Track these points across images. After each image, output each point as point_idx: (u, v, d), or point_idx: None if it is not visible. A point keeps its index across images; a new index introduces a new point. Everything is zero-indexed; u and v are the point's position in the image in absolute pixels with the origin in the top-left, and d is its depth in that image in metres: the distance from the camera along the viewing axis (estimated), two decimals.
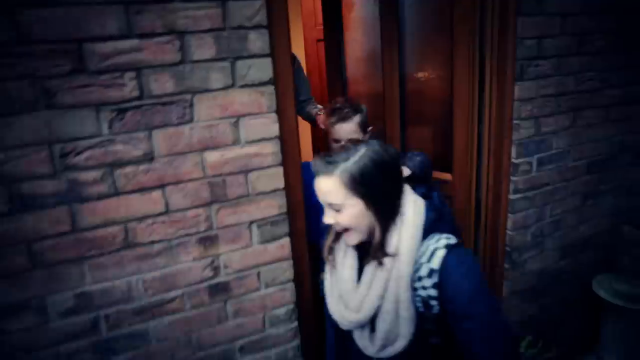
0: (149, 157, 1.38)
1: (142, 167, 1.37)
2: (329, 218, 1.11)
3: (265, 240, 1.59)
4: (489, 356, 1.05)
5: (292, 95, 1.55)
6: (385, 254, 1.08)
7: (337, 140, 1.97)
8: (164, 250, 1.46)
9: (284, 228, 1.61)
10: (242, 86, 1.44)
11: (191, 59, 1.36)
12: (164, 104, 1.35)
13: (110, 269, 1.41)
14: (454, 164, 2.21)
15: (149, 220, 1.42)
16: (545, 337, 2.43)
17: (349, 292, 1.16)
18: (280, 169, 1.56)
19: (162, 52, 1.32)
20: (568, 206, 2.31)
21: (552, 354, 2.44)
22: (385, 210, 1.08)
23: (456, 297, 1.04)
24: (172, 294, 1.51)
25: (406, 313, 1.09)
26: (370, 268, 1.12)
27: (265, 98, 1.48)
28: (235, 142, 1.47)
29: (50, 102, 1.24)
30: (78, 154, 1.30)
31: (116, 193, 1.36)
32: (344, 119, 1.94)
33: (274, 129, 1.51)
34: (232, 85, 1.42)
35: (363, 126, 1.97)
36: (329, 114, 2.01)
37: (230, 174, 1.48)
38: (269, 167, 1.53)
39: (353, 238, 1.12)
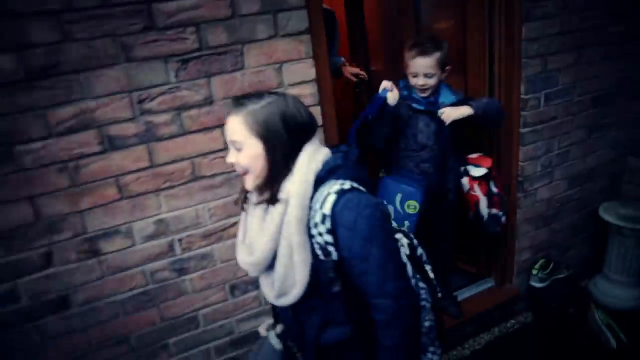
0: (209, 101, 1.61)
1: (203, 109, 1.61)
2: (230, 157, 1.14)
3: None
4: (384, 303, 1.09)
5: (324, 43, 1.77)
6: (277, 200, 1.10)
7: (415, 74, 2.08)
8: (224, 181, 1.72)
9: None
10: (283, 35, 1.66)
11: (240, 13, 1.57)
12: (219, 53, 1.58)
13: (182, 199, 1.67)
14: None
15: (212, 156, 1.67)
16: (555, 259, 2.68)
17: (252, 239, 1.19)
18: (318, 108, 1.78)
19: (216, 9, 1.54)
20: (575, 139, 2.51)
21: (562, 275, 2.70)
22: (282, 157, 1.09)
23: (348, 240, 1.06)
24: (233, 219, 1.77)
25: (298, 257, 1.09)
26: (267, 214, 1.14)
27: (303, 45, 1.69)
28: (279, 85, 1.70)
29: (129, 56, 1.47)
30: (152, 99, 1.54)
31: (184, 133, 1.61)
32: (423, 52, 2.01)
33: (312, 72, 1.74)
34: (275, 35, 1.64)
35: (441, 63, 2.05)
36: (409, 48, 2.07)
37: None
38: (308, 106, 1.76)
39: (250, 181, 1.14)
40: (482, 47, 2.26)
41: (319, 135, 1.18)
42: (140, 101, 1.53)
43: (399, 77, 2.22)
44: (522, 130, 2.33)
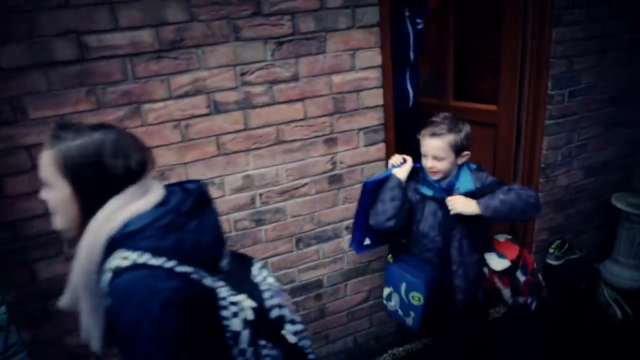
0: (295, 78, 1.93)
1: (290, 84, 1.94)
2: (42, 192, 1.03)
3: (368, 144, 2.16)
4: None
5: (389, 35, 2.09)
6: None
7: (424, 155, 1.91)
8: (301, 147, 2.04)
9: (381, 136, 2.18)
10: (359, 27, 1.98)
11: (327, 6, 1.90)
12: (307, 38, 1.91)
13: (266, 159, 1.99)
14: (499, 97, 2.73)
15: (293, 124, 1.99)
16: (570, 241, 2.99)
17: None
18: (381, 90, 2.10)
19: (309, 1, 1.86)
20: (592, 133, 2.83)
21: (575, 256, 3.00)
22: (91, 205, 0.99)
23: (117, 323, 0.96)
24: (304, 180, 2.09)
25: (84, 305, 1.00)
26: None
27: (373, 36, 2.02)
28: (352, 68, 2.02)
29: (237, 36, 1.80)
30: (251, 73, 1.86)
31: (273, 103, 1.93)
32: (434, 134, 1.85)
33: (378, 59, 2.06)
34: (352, 27, 1.97)
35: (454, 147, 1.86)
36: (425, 125, 1.92)
37: (348, 92, 2.04)
38: (373, 88, 2.08)
39: (58, 222, 1.04)
40: (515, 49, 2.57)
41: (147, 180, 1.06)
42: (242, 74, 1.85)
43: (436, 60, 2.56)
44: (547, 122, 2.64)
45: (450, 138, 1.84)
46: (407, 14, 2.62)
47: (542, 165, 2.74)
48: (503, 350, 2.62)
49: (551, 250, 2.94)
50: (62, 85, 1.64)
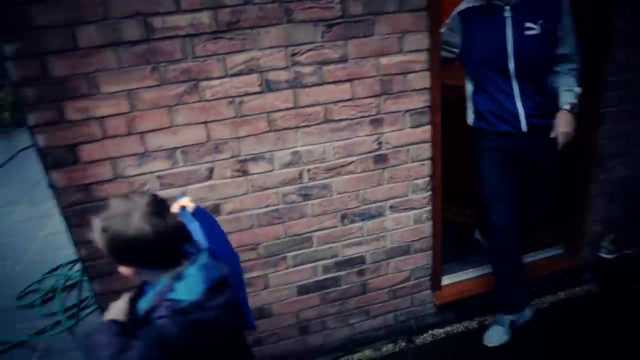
0: (343, 59, 2.01)
1: (339, 65, 2.02)
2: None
3: (414, 126, 2.20)
4: None
5: (439, 19, 2.11)
6: None
7: None
8: (348, 126, 2.12)
9: (427, 118, 2.21)
10: (407, 10, 2.02)
11: None
12: (355, 21, 1.97)
13: (314, 136, 2.09)
14: None
15: (341, 104, 2.07)
16: (625, 236, 2.89)
17: None
18: (428, 73, 2.14)
19: None
20: None
21: (631, 251, 2.90)
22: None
23: None
24: (350, 159, 2.17)
25: None
26: None
27: (421, 20, 2.05)
28: (399, 51, 2.07)
29: (289, 18, 1.90)
30: (302, 54, 1.96)
31: (322, 83, 2.02)
32: None
33: (426, 43, 2.09)
34: (400, 10, 2.01)
35: None
36: None
37: (395, 74, 2.09)
38: (420, 71, 2.12)
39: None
40: None
41: None
42: (293, 54, 1.95)
43: None
44: (605, 109, 2.56)
45: None
46: (507, 14, 2.16)
47: (599, 154, 2.66)
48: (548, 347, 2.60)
49: (605, 244, 2.86)
50: (130, 62, 1.81)
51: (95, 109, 1.82)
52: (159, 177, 1.96)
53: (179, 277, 1.19)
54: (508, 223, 2.38)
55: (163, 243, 1.16)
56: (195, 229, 1.30)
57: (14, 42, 1.67)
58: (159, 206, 1.19)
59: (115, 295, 2.08)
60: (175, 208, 1.33)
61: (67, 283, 3.63)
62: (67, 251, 3.99)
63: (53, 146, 1.81)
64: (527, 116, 2.24)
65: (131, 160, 1.91)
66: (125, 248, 1.14)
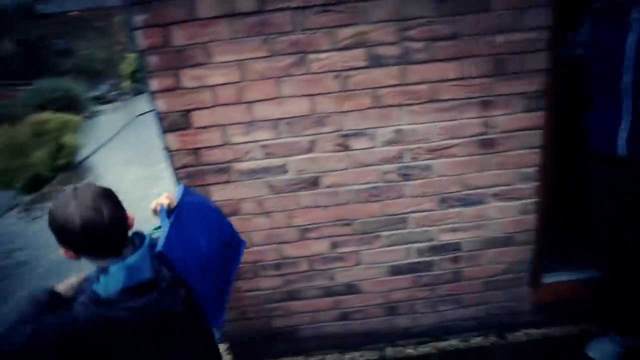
0: (456, 36, 1.91)
1: (450, 42, 1.92)
2: None
3: (526, 110, 2.05)
4: None
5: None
6: None
7: None
8: (454, 106, 2.02)
9: (542, 102, 2.04)
10: None
11: None
12: None
13: (418, 115, 2.03)
14: None
15: (449, 83, 1.98)
16: None
17: None
18: (547, 54, 1.97)
19: None
20: None
21: None
22: None
23: None
24: (454, 141, 2.08)
25: None
26: None
27: None
28: (517, 28, 1.91)
29: None
30: (412, 29, 1.89)
31: (431, 60, 1.94)
32: None
33: (548, 20, 1.91)
34: None
35: None
36: None
37: (511, 53, 1.95)
38: (539, 50, 1.96)
39: None
40: None
41: None
42: (403, 29, 1.89)
43: None
44: None
45: None
46: (636, 14, 1.81)
47: None
48: None
49: None
50: (242, 33, 1.86)
51: (208, 77, 1.90)
52: (263, 146, 2.02)
53: (104, 271, 1.21)
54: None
55: (89, 235, 1.16)
56: (164, 229, 1.28)
57: (144, 13, 1.78)
58: (100, 200, 1.19)
59: None
60: (153, 206, 1.34)
61: None
62: None
63: (170, 111, 1.93)
64: (632, 140, 1.93)
65: (238, 129, 1.98)
66: (58, 233, 1.18)
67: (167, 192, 1.40)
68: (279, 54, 1.89)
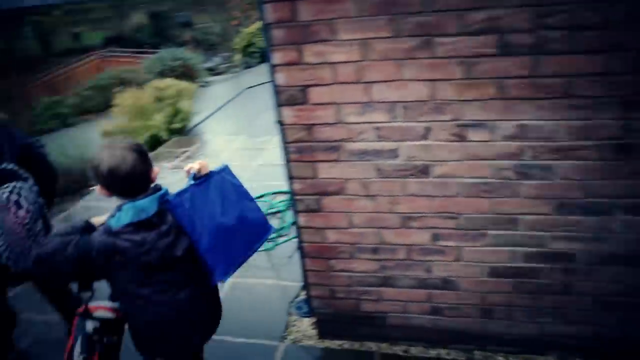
0: (604, 24, 1.71)
1: (596, 32, 1.73)
2: None
3: None
4: None
5: None
6: None
7: None
8: (590, 105, 1.83)
9: None
10: None
11: None
12: None
13: (547, 111, 1.87)
14: None
15: (588, 78, 1.80)
16: None
17: None
18: None
19: None
20: None
21: None
22: None
23: None
24: (585, 142, 1.89)
25: None
26: None
27: None
28: None
29: None
30: (552, 16, 1.73)
31: (570, 51, 1.77)
32: None
33: None
34: None
35: None
36: None
37: None
38: None
39: None
40: None
41: None
42: (541, 16, 1.74)
43: None
44: None
45: None
46: None
47: None
48: None
49: None
50: (368, 12, 1.83)
51: (330, 54, 1.90)
52: (376, 128, 1.99)
53: (119, 208, 1.54)
54: None
55: (114, 178, 1.49)
56: (184, 187, 1.60)
57: None
58: (127, 152, 1.49)
59: (316, 230, 2.27)
60: (186, 168, 1.65)
61: (270, 210, 4.05)
62: (273, 182, 4.47)
63: (289, 85, 1.97)
64: None
65: (354, 108, 1.97)
66: (94, 174, 1.52)
67: (201, 160, 1.68)
68: (404, 35, 1.84)
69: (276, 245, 3.54)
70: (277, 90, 2.00)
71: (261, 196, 4.32)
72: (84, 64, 17.05)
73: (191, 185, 1.59)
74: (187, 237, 1.59)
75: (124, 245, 1.51)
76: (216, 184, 1.66)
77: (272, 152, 5.47)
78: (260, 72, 13.48)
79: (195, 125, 7.51)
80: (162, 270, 1.58)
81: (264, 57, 16.01)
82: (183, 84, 7.01)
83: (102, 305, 1.71)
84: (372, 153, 2.05)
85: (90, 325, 1.66)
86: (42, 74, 14.73)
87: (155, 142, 6.54)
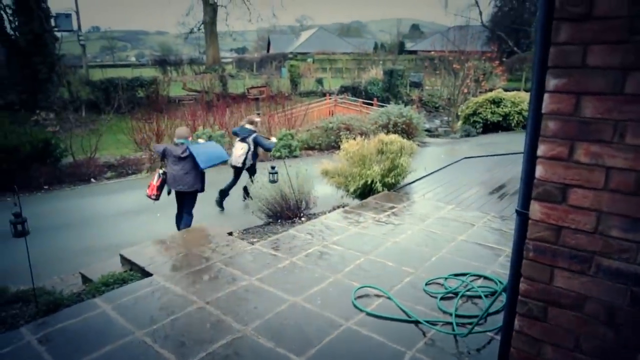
0: None
1: None
2: None
3: None
4: None
5: None
6: None
7: None
8: None
9: None
10: None
11: None
12: None
13: None
14: None
15: None
16: None
17: None
18: None
19: None
20: None
21: None
22: None
23: None
24: None
25: None
26: None
27: None
28: None
29: None
30: None
31: None
32: None
33: None
34: None
35: None
36: None
37: None
38: None
39: None
40: None
41: None
42: None
43: None
44: None
45: None
46: None
47: None
48: None
49: None
50: None
51: (607, 157, 1.69)
52: None
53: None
54: None
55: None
56: (194, 146, 6.41)
57: (559, 78, 1.72)
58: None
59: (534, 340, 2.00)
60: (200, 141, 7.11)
61: (467, 293, 3.79)
62: (472, 262, 4.26)
63: (547, 180, 1.82)
64: None
65: (621, 222, 1.70)
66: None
67: (201, 139, 8.92)
68: None
69: (469, 332, 3.27)
70: (531, 182, 1.87)
71: (463, 274, 4.10)
72: (320, 105, 19.18)
73: (194, 146, 6.33)
74: (193, 157, 6.15)
75: (167, 150, 6.34)
76: (204, 145, 6.88)
77: (479, 230, 5.20)
78: (479, 143, 13.19)
79: (408, 184, 7.62)
80: (181, 161, 6.20)
81: (485, 128, 15.69)
82: (406, 142, 7.20)
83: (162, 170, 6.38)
84: (630, 277, 1.74)
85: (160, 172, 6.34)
86: (287, 108, 16.95)
87: (368, 191, 6.81)
